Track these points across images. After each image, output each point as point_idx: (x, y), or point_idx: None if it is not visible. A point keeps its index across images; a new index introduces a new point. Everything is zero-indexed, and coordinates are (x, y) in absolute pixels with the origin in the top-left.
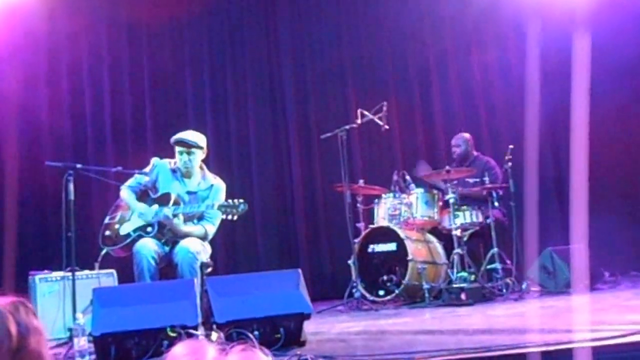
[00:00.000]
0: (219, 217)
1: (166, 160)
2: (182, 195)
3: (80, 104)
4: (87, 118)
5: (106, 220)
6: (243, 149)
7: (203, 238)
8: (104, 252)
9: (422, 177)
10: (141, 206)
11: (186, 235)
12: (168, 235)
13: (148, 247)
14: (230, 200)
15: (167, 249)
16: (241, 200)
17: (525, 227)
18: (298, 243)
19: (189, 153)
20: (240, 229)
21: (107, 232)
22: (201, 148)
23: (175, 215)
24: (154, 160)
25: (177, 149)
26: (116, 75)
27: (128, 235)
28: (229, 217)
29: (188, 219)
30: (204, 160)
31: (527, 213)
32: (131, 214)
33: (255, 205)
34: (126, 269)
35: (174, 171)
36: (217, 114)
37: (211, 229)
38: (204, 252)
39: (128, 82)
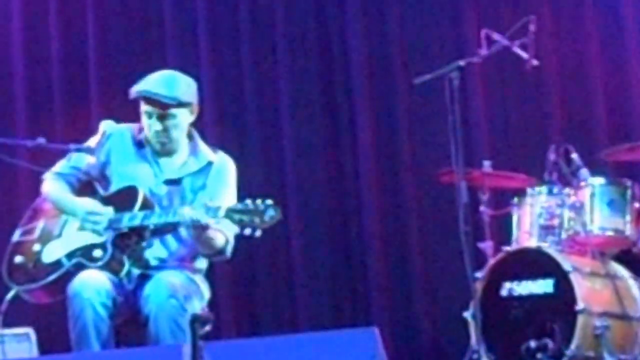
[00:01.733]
0: (230, 226)
1: (126, 127)
2: (156, 189)
3: None
4: None
5: (16, 237)
6: (267, 110)
7: (219, 253)
8: (12, 294)
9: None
10: (82, 203)
11: (160, 266)
12: (130, 263)
13: (96, 287)
14: (249, 202)
15: (129, 288)
16: (268, 202)
17: None
18: (369, 279)
19: (163, 117)
20: (264, 254)
21: (18, 259)
22: (187, 105)
23: (143, 229)
24: (105, 125)
25: (144, 107)
26: None
27: (58, 263)
28: (248, 231)
29: (162, 232)
30: (195, 126)
31: None
32: (63, 224)
33: (290, 211)
34: (54, 325)
35: (140, 144)
36: (219, 46)
37: (230, 238)
38: (196, 294)
39: None
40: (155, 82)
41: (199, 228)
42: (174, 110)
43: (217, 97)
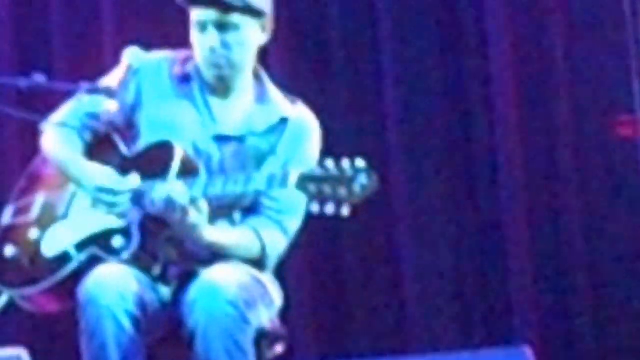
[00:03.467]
0: (300, 209)
1: (162, 57)
2: (204, 146)
3: None
4: None
5: (5, 219)
6: (361, 38)
7: (258, 263)
8: (1, 302)
9: None
10: (93, 172)
11: (216, 255)
12: (168, 256)
13: (118, 289)
14: (331, 165)
15: (166, 293)
16: (360, 164)
17: None
18: (509, 280)
19: (222, 27)
20: (358, 241)
21: (10, 250)
22: (259, 15)
23: (192, 203)
24: (131, 56)
25: (195, 16)
26: None
27: (65, 257)
28: (330, 208)
29: (221, 211)
30: (263, 61)
31: None
32: (70, 199)
33: (393, 179)
34: (58, 344)
35: (183, 79)
36: None
37: (278, 240)
38: (262, 300)
39: None
40: None
41: (178, 214)
42: (238, 18)
43: (290, 23)
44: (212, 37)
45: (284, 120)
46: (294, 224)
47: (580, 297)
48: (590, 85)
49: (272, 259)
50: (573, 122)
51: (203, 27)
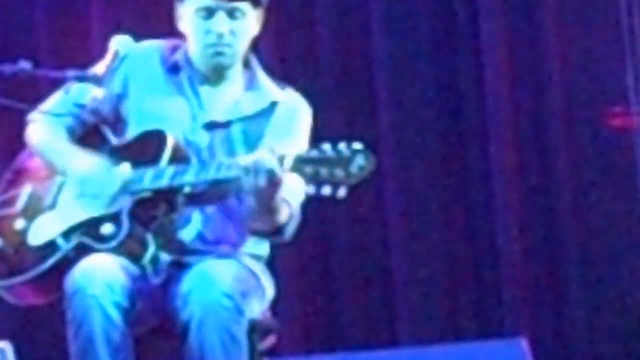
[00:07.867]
0: (299, 190)
1: (151, 45)
2: (194, 136)
3: None
4: None
5: None
6: (349, 20)
7: (275, 233)
8: None
9: None
10: (78, 162)
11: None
12: (158, 244)
13: (106, 279)
14: (328, 147)
15: (157, 281)
16: (356, 146)
17: None
18: (501, 269)
19: (234, 14)
20: (350, 227)
21: None
22: (259, 5)
23: (175, 193)
24: (118, 43)
25: (201, 1)
26: None
27: (51, 246)
28: (327, 190)
29: (203, 199)
30: (256, 48)
31: None
32: (58, 189)
33: (385, 162)
34: (43, 336)
35: (173, 69)
36: None
37: (295, 212)
38: (255, 291)
39: None
40: None
41: (271, 188)
42: (245, 6)
43: (279, 7)
44: (222, 23)
45: (273, 104)
46: (297, 196)
47: (573, 288)
48: (584, 77)
49: (290, 228)
50: (566, 113)
51: (211, 12)
